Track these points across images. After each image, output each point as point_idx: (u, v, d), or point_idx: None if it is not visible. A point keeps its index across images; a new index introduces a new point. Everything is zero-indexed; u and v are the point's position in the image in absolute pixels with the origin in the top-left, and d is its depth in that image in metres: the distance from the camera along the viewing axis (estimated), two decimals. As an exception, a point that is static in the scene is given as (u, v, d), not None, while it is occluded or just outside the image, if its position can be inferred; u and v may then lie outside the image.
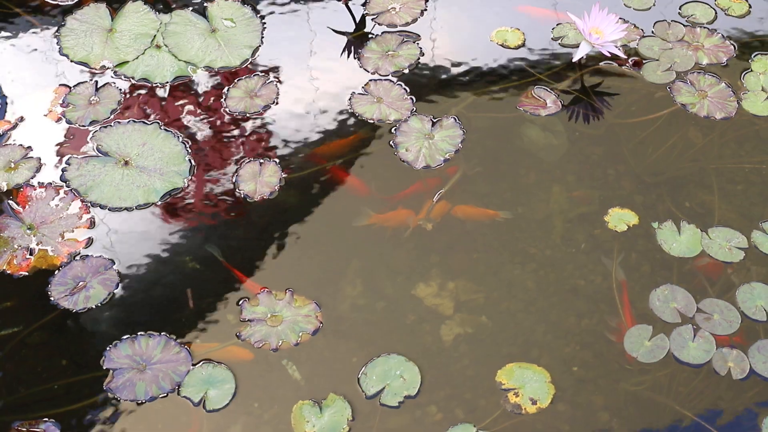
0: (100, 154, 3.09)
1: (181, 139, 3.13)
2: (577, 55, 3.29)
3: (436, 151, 3.12)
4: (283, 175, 3.08)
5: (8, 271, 2.84)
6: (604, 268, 2.87)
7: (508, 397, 2.63)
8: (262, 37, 3.46)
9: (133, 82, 3.30)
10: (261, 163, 3.10)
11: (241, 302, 2.78)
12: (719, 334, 2.72)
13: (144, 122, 3.16)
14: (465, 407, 2.61)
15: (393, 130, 3.17)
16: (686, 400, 2.63)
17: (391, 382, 2.64)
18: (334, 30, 3.54)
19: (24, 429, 2.55)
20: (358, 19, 3.55)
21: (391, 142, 3.15)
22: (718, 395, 2.65)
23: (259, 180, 3.06)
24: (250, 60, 3.39)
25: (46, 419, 2.57)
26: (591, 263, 2.89)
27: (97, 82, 3.29)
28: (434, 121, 3.19)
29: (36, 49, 3.45)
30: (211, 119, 3.22)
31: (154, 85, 3.30)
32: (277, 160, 3.12)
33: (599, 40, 3.25)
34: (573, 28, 3.49)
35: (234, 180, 3.06)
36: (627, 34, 3.41)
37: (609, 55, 3.29)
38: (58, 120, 3.20)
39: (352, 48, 3.46)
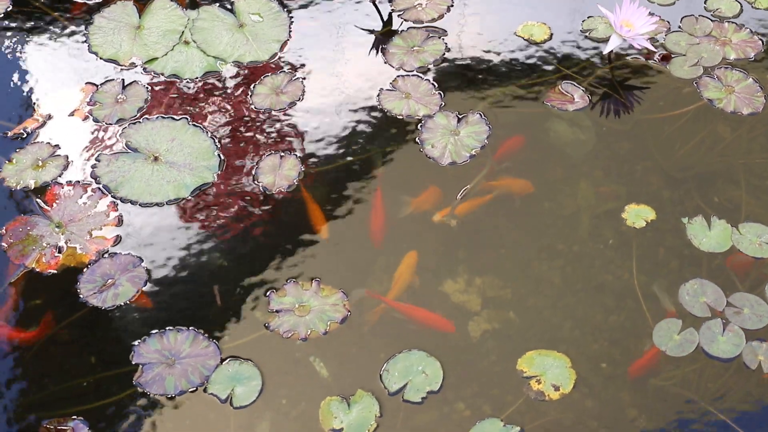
0: (129, 150, 3.10)
1: (209, 134, 3.14)
2: (608, 48, 3.28)
3: (462, 147, 3.12)
4: (302, 169, 3.08)
5: (37, 269, 2.85)
6: (631, 264, 2.86)
7: (530, 384, 2.62)
8: (290, 31, 3.47)
9: (163, 78, 3.31)
10: (281, 156, 3.10)
11: (268, 293, 2.78)
12: (749, 328, 2.71)
13: (172, 118, 3.17)
14: (492, 403, 2.61)
15: (419, 126, 3.17)
16: (715, 395, 2.62)
17: (413, 377, 2.64)
18: (360, 27, 3.55)
19: (52, 427, 2.56)
20: (385, 15, 3.56)
21: (417, 139, 3.14)
22: (747, 390, 2.63)
23: (279, 173, 3.07)
24: (279, 54, 3.40)
25: (75, 417, 2.58)
26: (618, 259, 2.88)
27: (123, 80, 3.30)
28: (460, 117, 3.19)
29: (64, 47, 3.46)
30: (237, 115, 3.23)
31: (183, 80, 3.31)
32: (299, 154, 3.12)
33: (630, 32, 3.24)
34: (603, 21, 3.48)
35: (253, 172, 3.07)
36: (657, 27, 3.40)
37: (639, 47, 3.28)
38: (86, 118, 3.21)
39: (379, 43, 3.46)
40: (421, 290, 2.83)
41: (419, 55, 3.41)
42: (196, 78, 3.32)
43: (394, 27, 3.52)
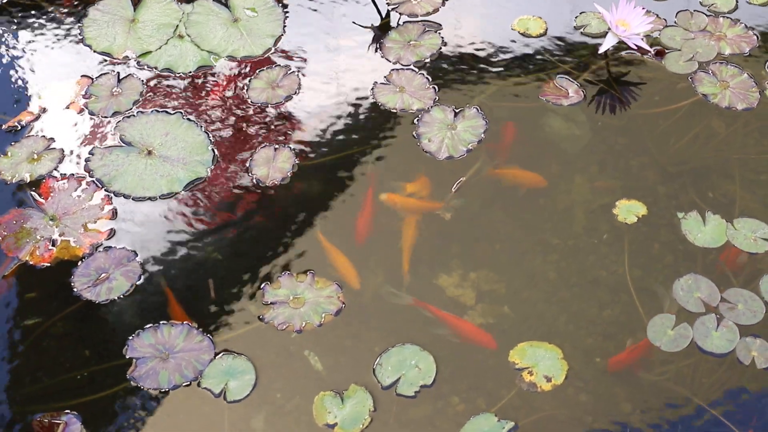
0: (123, 144, 3.10)
1: (203, 128, 3.14)
2: (603, 47, 3.28)
3: (459, 142, 3.12)
4: (296, 161, 3.08)
5: (31, 262, 2.84)
6: (625, 259, 2.86)
7: (522, 376, 2.62)
8: (285, 26, 3.46)
9: (157, 72, 3.31)
10: (275, 149, 3.10)
11: (262, 286, 2.78)
12: (743, 324, 2.71)
13: (167, 112, 3.17)
14: (487, 398, 2.61)
15: (416, 120, 3.17)
16: (709, 391, 2.62)
17: (406, 371, 2.64)
18: (356, 23, 3.54)
19: (45, 421, 2.56)
20: (380, 9, 3.55)
21: (414, 133, 3.14)
22: (741, 385, 2.63)
23: (273, 165, 3.07)
24: (273, 49, 3.39)
25: (68, 411, 2.57)
26: (613, 254, 2.88)
27: (119, 73, 3.30)
28: (457, 111, 3.18)
29: (59, 40, 3.46)
30: (233, 109, 3.23)
31: (176, 74, 3.31)
32: (292, 146, 3.12)
33: (626, 32, 3.23)
34: (596, 17, 3.48)
35: (247, 164, 3.07)
36: (653, 27, 3.39)
37: (635, 47, 3.27)
38: (81, 111, 3.21)
39: (376, 38, 3.46)
40: (416, 284, 2.83)
41: (416, 49, 3.40)
42: (190, 72, 3.32)
43: (392, 21, 3.51)
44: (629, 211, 2.95)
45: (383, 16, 3.53)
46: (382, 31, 3.47)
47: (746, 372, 2.64)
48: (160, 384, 2.61)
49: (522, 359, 2.66)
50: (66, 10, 3.55)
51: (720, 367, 2.66)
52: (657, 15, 3.47)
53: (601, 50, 3.30)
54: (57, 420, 2.56)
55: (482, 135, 3.13)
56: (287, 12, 3.51)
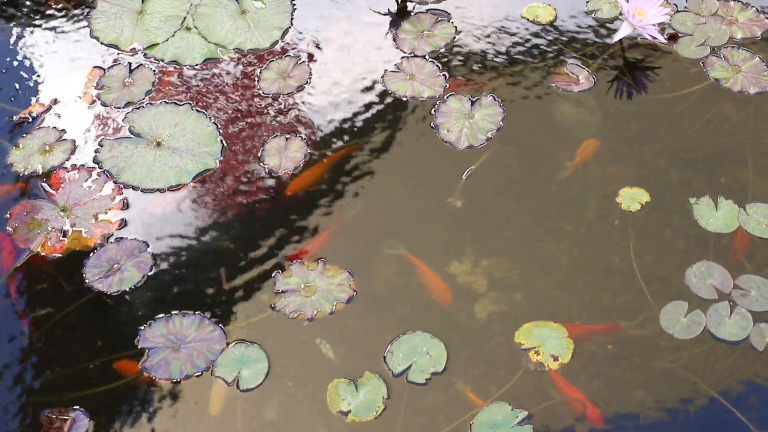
0: (132, 136, 3.10)
1: (212, 120, 3.14)
2: (617, 36, 3.26)
3: (478, 131, 3.11)
4: (309, 151, 3.08)
5: (42, 253, 2.85)
6: (638, 246, 2.85)
7: (529, 356, 2.62)
8: (292, 19, 3.46)
9: (164, 64, 3.31)
10: (287, 139, 3.10)
11: (274, 274, 2.79)
12: (756, 310, 2.70)
13: (176, 103, 3.17)
14: (499, 384, 2.61)
15: (432, 111, 3.16)
16: (722, 378, 2.61)
17: (417, 359, 2.64)
18: (373, 10, 3.53)
19: (53, 416, 2.56)
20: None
21: (431, 123, 3.13)
22: (755, 372, 2.63)
23: (285, 155, 3.07)
24: (280, 41, 3.39)
25: (76, 407, 2.58)
26: (626, 240, 2.87)
27: (130, 64, 3.30)
28: (473, 100, 3.18)
29: (69, 32, 3.46)
30: (243, 100, 3.23)
31: (184, 66, 3.31)
32: (304, 136, 3.12)
33: (641, 21, 3.22)
34: (608, 1, 3.46)
35: (259, 154, 3.07)
36: (671, 18, 3.37)
37: (649, 37, 3.26)
38: (93, 102, 3.21)
39: (389, 26, 3.45)
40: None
41: (429, 39, 3.39)
42: (196, 64, 3.32)
43: (400, 10, 3.50)
44: (633, 198, 2.94)
45: (399, 3, 3.51)
46: (396, 19, 3.46)
47: (760, 359, 2.64)
48: (171, 374, 2.61)
49: (528, 339, 2.66)
50: (75, 1, 3.55)
51: (733, 353, 2.65)
52: (668, 0, 3.45)
53: (615, 39, 3.29)
54: (65, 416, 2.57)
55: (501, 123, 3.12)
56: (295, 3, 3.50)
